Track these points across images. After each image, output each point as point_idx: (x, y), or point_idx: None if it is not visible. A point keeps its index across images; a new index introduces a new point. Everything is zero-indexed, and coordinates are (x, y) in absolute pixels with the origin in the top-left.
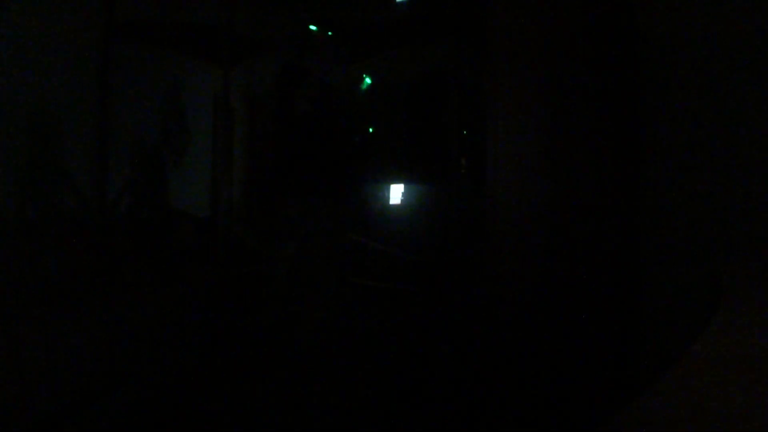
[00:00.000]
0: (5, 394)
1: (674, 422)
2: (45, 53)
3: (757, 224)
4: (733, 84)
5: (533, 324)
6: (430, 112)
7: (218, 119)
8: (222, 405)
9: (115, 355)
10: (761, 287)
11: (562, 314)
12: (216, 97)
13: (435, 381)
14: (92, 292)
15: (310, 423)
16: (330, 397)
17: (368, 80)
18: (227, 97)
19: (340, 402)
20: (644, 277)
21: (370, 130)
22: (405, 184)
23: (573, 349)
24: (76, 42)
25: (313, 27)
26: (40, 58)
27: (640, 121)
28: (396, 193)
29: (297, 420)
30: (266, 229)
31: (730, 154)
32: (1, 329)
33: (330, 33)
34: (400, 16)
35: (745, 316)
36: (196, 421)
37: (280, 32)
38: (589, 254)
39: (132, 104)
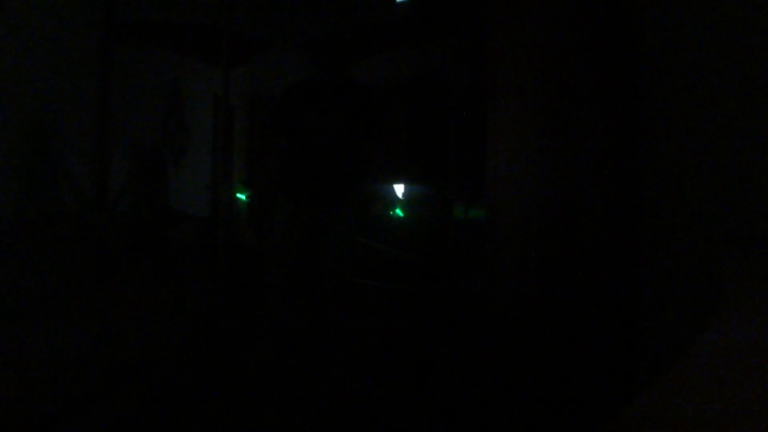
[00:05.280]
0: (5, 394)
1: (674, 422)
2: (45, 53)
3: (757, 224)
4: (733, 84)
5: (533, 324)
6: (429, 112)
7: (218, 119)
8: (222, 405)
9: (115, 356)
10: (761, 287)
11: (562, 314)
12: (216, 97)
13: (434, 381)
14: (92, 292)
15: (310, 423)
16: (330, 397)
17: None
18: (227, 97)
19: (340, 401)
20: (644, 277)
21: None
22: (405, 184)
23: (573, 349)
24: (76, 42)
25: None
26: (40, 58)
27: (640, 121)
28: (396, 193)
29: (297, 420)
30: (266, 229)
31: (731, 154)
32: (1, 329)
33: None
34: (400, 16)
35: (745, 316)
36: (196, 421)
37: (281, 32)
38: (589, 254)
39: (132, 104)
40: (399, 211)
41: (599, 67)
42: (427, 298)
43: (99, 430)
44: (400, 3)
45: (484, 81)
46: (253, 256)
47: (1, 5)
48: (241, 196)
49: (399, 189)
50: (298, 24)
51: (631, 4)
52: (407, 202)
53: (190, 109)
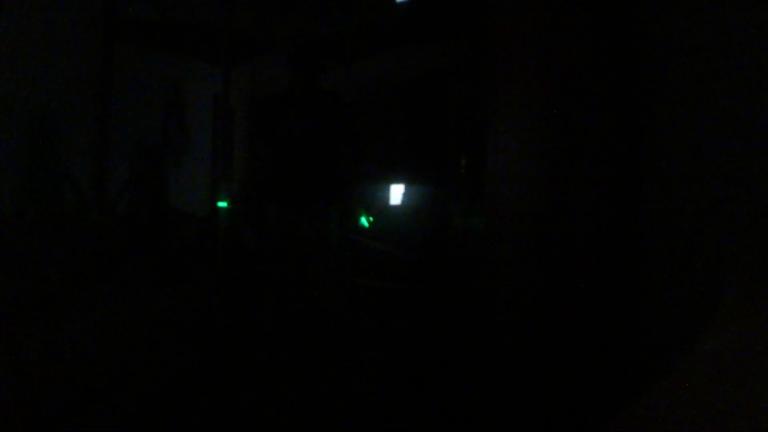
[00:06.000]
0: (5, 394)
1: (674, 422)
2: (46, 53)
3: (757, 224)
4: (733, 85)
5: (532, 324)
6: (429, 112)
7: (218, 119)
8: (222, 405)
9: (116, 355)
10: (761, 287)
11: (562, 313)
12: (216, 97)
13: (433, 380)
14: (92, 292)
15: (309, 423)
16: (329, 397)
17: None
18: (227, 97)
19: (340, 402)
20: (645, 278)
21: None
22: (405, 185)
23: (573, 349)
24: (76, 42)
25: None
26: (41, 58)
27: (641, 123)
28: (396, 193)
29: (296, 420)
30: (266, 229)
31: (731, 155)
32: (2, 329)
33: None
34: (400, 16)
35: (746, 316)
36: (196, 422)
37: (281, 32)
38: (589, 253)
39: (132, 104)
40: (364, 221)
41: (600, 67)
42: (427, 298)
43: (99, 430)
44: (400, 3)
45: (484, 81)
46: (252, 256)
47: (1, 5)
48: (222, 204)
49: (398, 190)
50: (298, 24)
51: (632, 4)
52: (406, 202)
53: (190, 109)
